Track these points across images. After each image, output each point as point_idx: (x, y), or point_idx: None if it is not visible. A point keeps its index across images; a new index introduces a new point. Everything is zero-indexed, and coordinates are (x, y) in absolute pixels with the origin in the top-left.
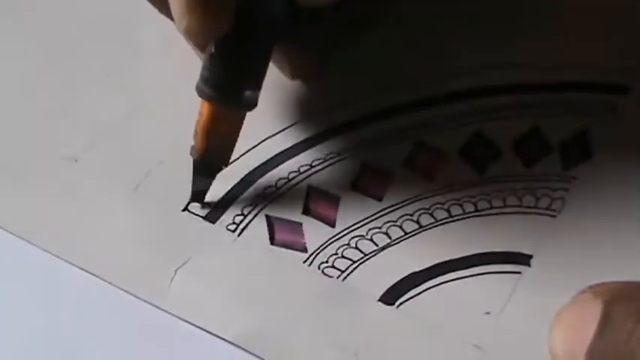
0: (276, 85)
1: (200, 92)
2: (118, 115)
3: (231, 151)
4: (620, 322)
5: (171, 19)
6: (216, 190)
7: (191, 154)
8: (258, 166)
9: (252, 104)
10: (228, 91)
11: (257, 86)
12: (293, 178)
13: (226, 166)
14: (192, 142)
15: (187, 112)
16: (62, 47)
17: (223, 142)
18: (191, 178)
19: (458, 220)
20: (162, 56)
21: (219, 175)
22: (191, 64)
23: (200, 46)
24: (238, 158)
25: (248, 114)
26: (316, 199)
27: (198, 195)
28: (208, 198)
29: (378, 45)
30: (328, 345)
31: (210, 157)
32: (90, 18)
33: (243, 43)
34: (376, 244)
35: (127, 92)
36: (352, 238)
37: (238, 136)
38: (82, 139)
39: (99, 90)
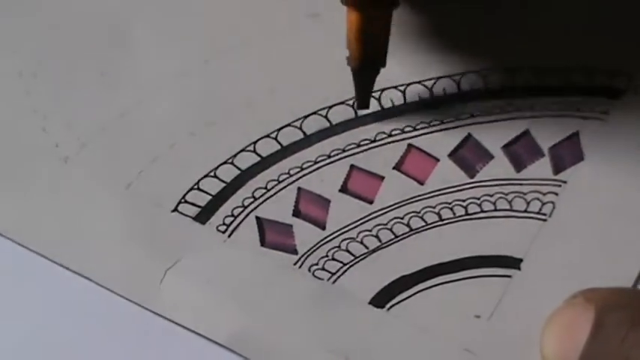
0: (269, 88)
1: (346, 0)
2: (110, 114)
3: (386, 51)
4: (612, 328)
5: None
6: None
7: (348, 64)
8: (249, 168)
9: (396, 2)
10: None
11: None
12: (283, 179)
13: (384, 66)
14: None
15: (181, 110)
16: (56, 45)
17: (376, 44)
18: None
19: (448, 223)
20: (156, 55)
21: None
22: (185, 62)
23: None
24: (229, 160)
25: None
26: (307, 201)
27: (363, 101)
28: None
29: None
30: (318, 347)
31: (367, 61)
32: (84, 16)
33: None
34: (367, 247)
35: (121, 91)
36: (343, 240)
37: (389, 35)
38: (74, 138)
39: (92, 88)
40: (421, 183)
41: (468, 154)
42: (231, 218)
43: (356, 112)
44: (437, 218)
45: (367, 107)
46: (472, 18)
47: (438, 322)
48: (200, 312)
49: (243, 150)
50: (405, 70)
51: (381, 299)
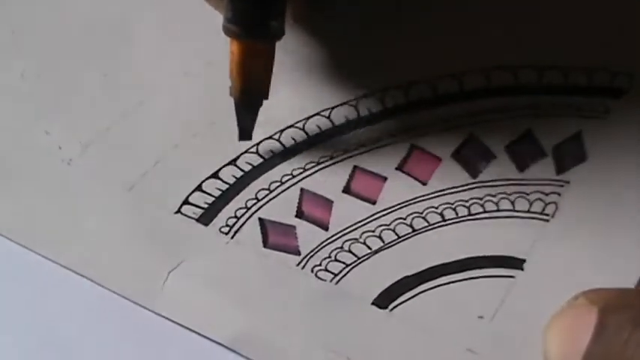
0: (273, 89)
1: (227, 31)
2: (114, 115)
3: (269, 83)
4: (615, 330)
5: None
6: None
7: (230, 94)
8: (252, 169)
9: (279, 33)
10: (254, 25)
11: (281, 15)
12: (286, 181)
13: (267, 99)
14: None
15: (184, 112)
16: (59, 46)
17: (259, 75)
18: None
19: (451, 223)
20: (159, 56)
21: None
22: (189, 64)
23: None
24: (232, 161)
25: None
26: (309, 202)
27: (245, 133)
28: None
29: (370, 47)
30: (321, 348)
31: (250, 93)
32: (87, 17)
33: None
34: (369, 248)
35: (123, 92)
36: (345, 241)
37: (273, 67)
38: (77, 139)
39: (95, 89)
40: (424, 183)
41: (470, 154)
42: (234, 219)
43: (358, 112)
44: (439, 219)
45: (249, 139)
46: (475, 17)
47: (441, 322)
48: (203, 313)
49: (246, 151)
50: (410, 64)
51: (384, 300)
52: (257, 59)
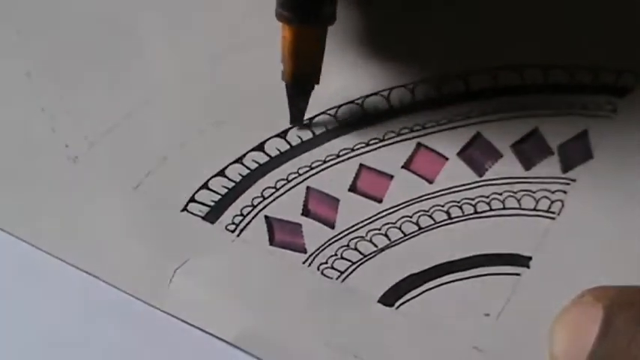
0: (276, 88)
1: (279, 16)
2: (119, 114)
3: (320, 68)
4: (621, 327)
5: None
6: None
7: (282, 78)
8: (258, 167)
9: (331, 19)
10: (306, 10)
11: (333, 1)
12: (292, 179)
13: (318, 83)
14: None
15: (190, 110)
16: (65, 46)
17: (311, 60)
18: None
19: (457, 222)
20: (165, 54)
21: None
22: (194, 61)
23: None
24: (238, 159)
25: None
26: (316, 201)
27: (297, 116)
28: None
29: (374, 47)
30: (327, 346)
31: (301, 77)
32: (92, 15)
33: None
34: (375, 246)
35: (129, 90)
36: (351, 239)
37: (324, 52)
38: (82, 137)
39: (101, 88)
40: (430, 182)
41: (477, 152)
42: (241, 217)
43: (364, 111)
44: (446, 217)
45: (300, 123)
46: (481, 16)
47: (447, 320)
48: (209, 311)
49: (252, 149)
50: (412, 66)
51: (390, 297)
52: (309, 45)
